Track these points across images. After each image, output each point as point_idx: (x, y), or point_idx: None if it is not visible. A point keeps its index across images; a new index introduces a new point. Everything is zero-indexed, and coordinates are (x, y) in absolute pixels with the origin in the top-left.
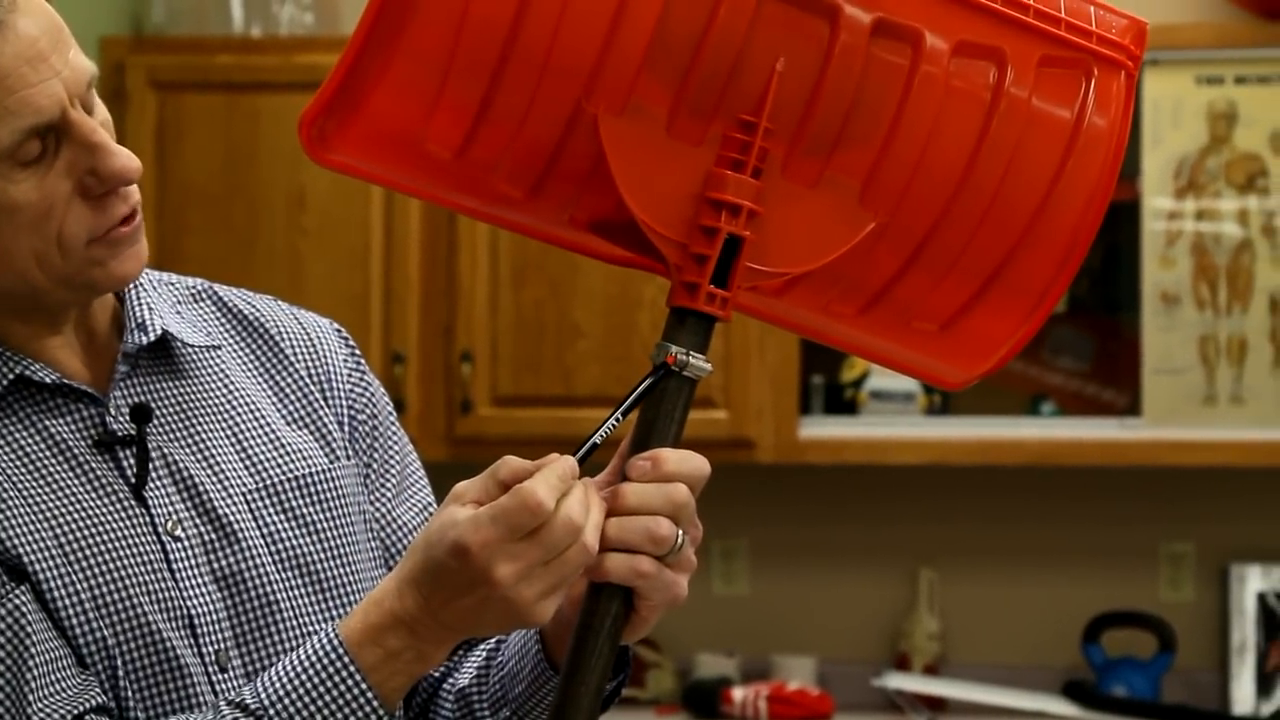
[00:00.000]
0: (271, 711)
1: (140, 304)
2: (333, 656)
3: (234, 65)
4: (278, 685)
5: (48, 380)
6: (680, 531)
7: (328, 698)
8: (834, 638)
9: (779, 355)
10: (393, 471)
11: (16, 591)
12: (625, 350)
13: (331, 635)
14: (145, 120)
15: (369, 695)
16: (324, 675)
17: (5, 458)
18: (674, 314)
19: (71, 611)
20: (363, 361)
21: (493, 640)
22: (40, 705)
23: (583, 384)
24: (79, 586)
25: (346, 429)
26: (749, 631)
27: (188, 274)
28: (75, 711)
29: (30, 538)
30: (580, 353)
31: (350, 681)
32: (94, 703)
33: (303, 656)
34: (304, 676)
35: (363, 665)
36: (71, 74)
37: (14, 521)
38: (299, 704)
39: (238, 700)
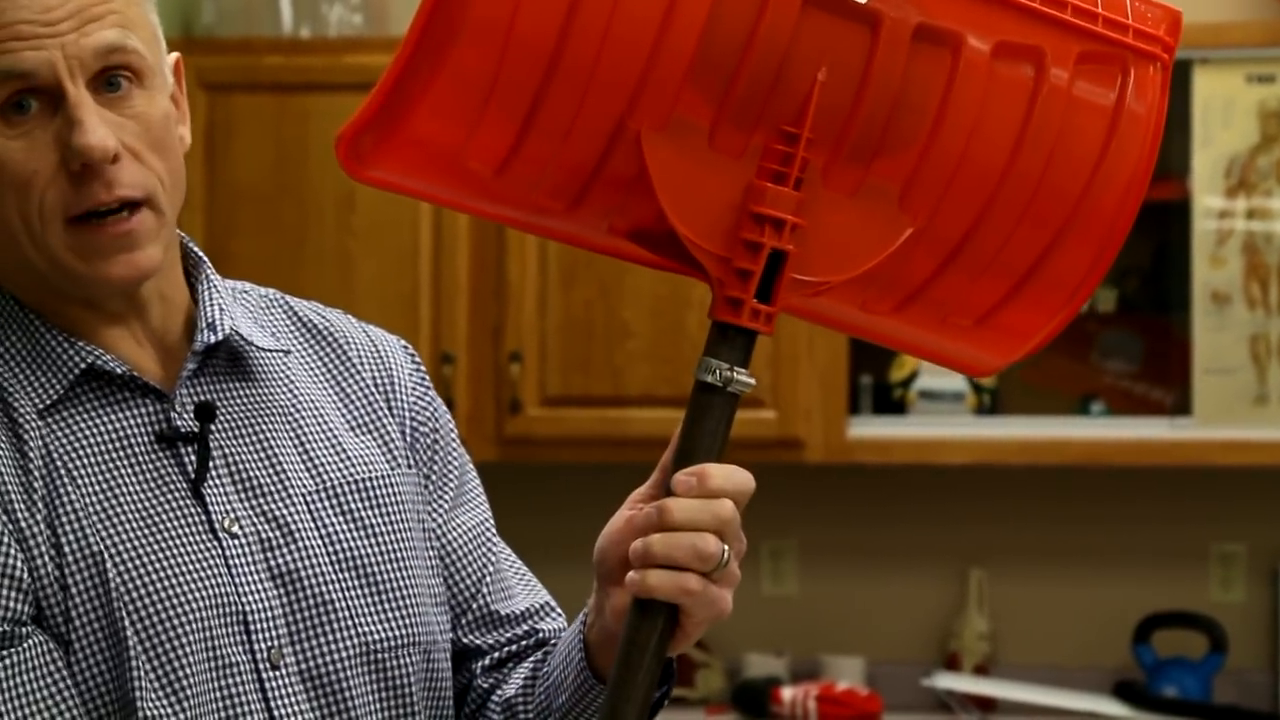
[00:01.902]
0: None
1: (212, 304)
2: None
3: (283, 66)
4: None
5: (118, 371)
6: (726, 547)
7: None
8: (883, 638)
9: (828, 355)
10: (450, 484)
11: (25, 645)
12: (674, 351)
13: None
14: (195, 121)
15: None
16: None
17: (69, 449)
18: (716, 327)
19: (123, 603)
20: (427, 378)
21: (539, 651)
22: None
23: (632, 384)
24: (131, 579)
25: (408, 438)
26: (798, 631)
27: (236, 276)
28: None
29: (92, 529)
30: (629, 353)
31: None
32: None
33: None
34: None
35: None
36: (79, 44)
37: (76, 513)
38: None
39: None
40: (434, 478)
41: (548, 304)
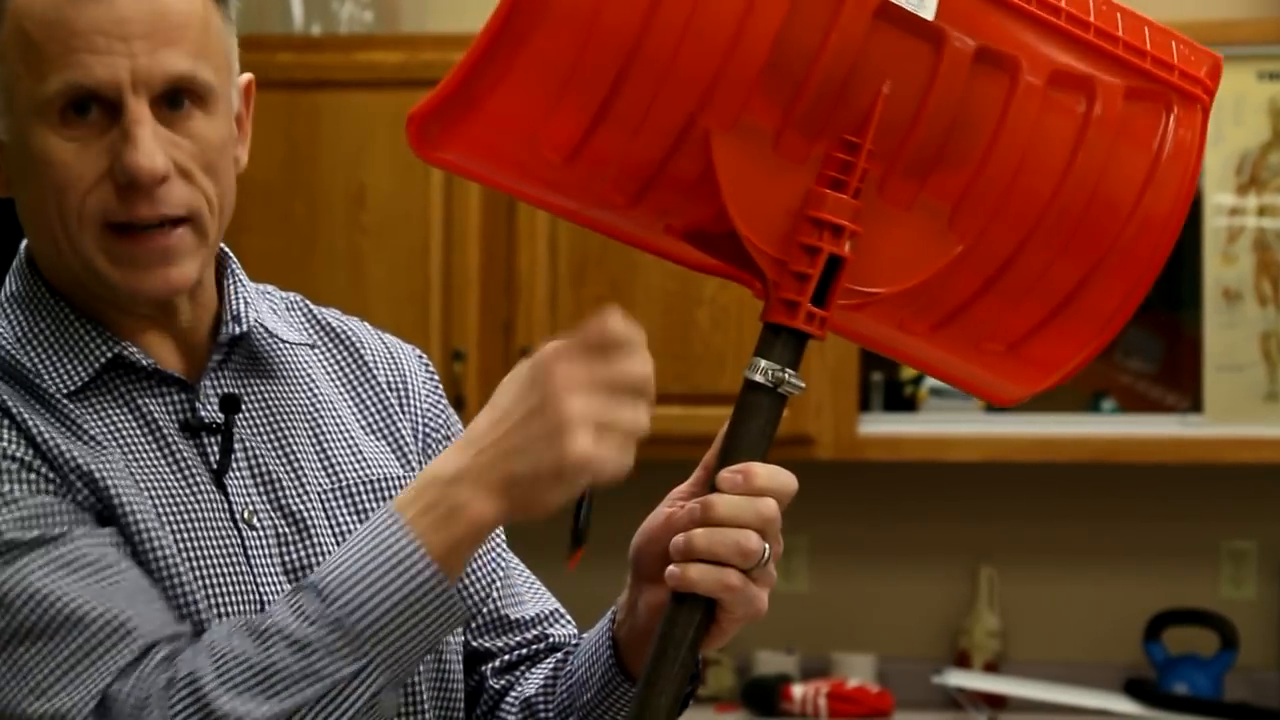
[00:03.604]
0: (334, 583)
1: (237, 298)
2: (384, 518)
3: (294, 63)
4: (339, 558)
5: (144, 363)
6: (767, 546)
7: (379, 559)
8: (894, 635)
9: (838, 352)
10: None
11: (109, 530)
12: (684, 347)
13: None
14: None
15: (413, 544)
16: (375, 539)
17: (99, 429)
18: (768, 329)
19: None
20: (440, 386)
21: (555, 653)
22: (138, 617)
23: None
24: (158, 560)
25: (421, 442)
26: (809, 628)
27: (247, 272)
28: (169, 632)
29: (127, 504)
30: None
31: (395, 534)
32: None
33: (361, 529)
34: (359, 546)
35: (405, 518)
36: (149, 66)
37: (111, 485)
38: (358, 572)
39: (306, 582)
40: None
41: (558, 300)
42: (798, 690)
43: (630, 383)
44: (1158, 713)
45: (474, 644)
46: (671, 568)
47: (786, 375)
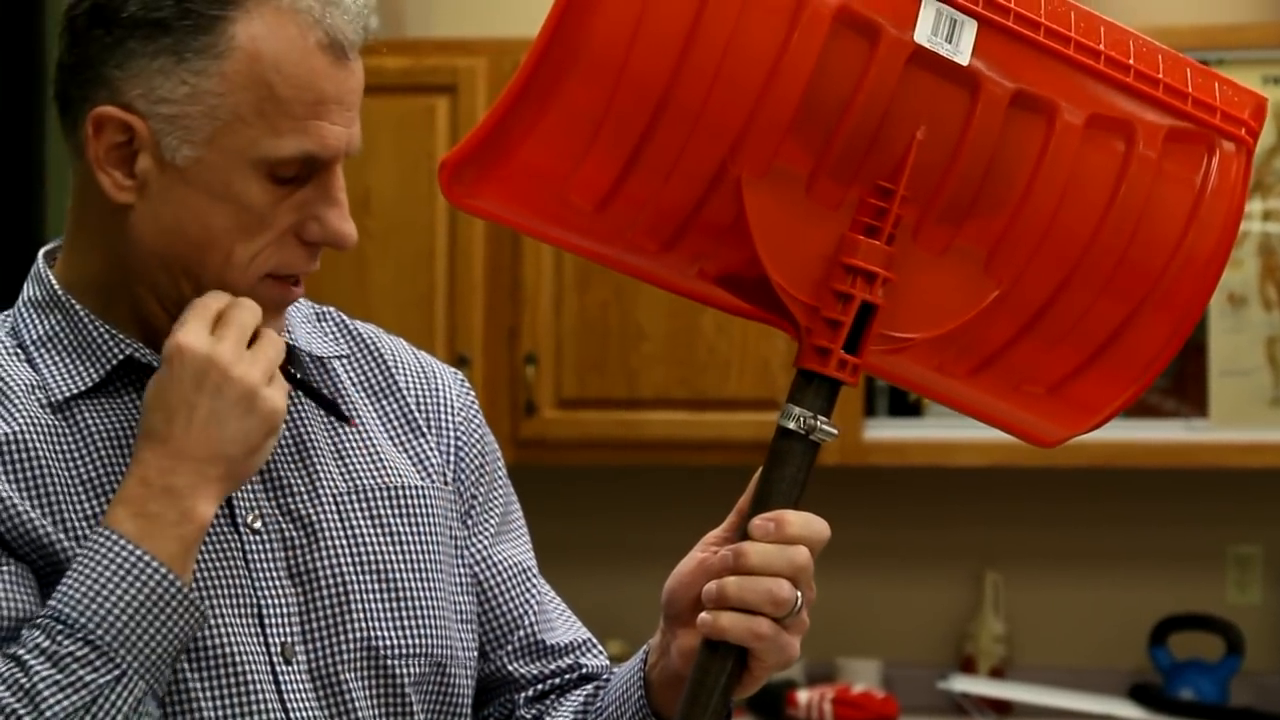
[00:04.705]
0: (74, 610)
1: None
2: (101, 538)
3: None
4: (70, 585)
5: (155, 364)
6: (799, 594)
7: (117, 578)
8: (899, 640)
9: None
10: (494, 514)
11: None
12: (689, 353)
13: (100, 528)
14: None
15: (146, 559)
16: (102, 559)
17: (107, 431)
18: (801, 375)
19: None
20: (478, 408)
21: (590, 685)
22: None
23: (647, 386)
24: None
25: (451, 461)
26: (813, 633)
27: None
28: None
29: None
30: (644, 355)
31: (125, 553)
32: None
33: (81, 555)
34: (86, 569)
35: (128, 535)
36: (354, 137)
37: (83, 505)
38: (92, 593)
39: (48, 613)
40: (478, 504)
41: (563, 306)
42: (803, 696)
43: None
44: (1163, 718)
45: (507, 669)
46: (704, 615)
47: (818, 423)
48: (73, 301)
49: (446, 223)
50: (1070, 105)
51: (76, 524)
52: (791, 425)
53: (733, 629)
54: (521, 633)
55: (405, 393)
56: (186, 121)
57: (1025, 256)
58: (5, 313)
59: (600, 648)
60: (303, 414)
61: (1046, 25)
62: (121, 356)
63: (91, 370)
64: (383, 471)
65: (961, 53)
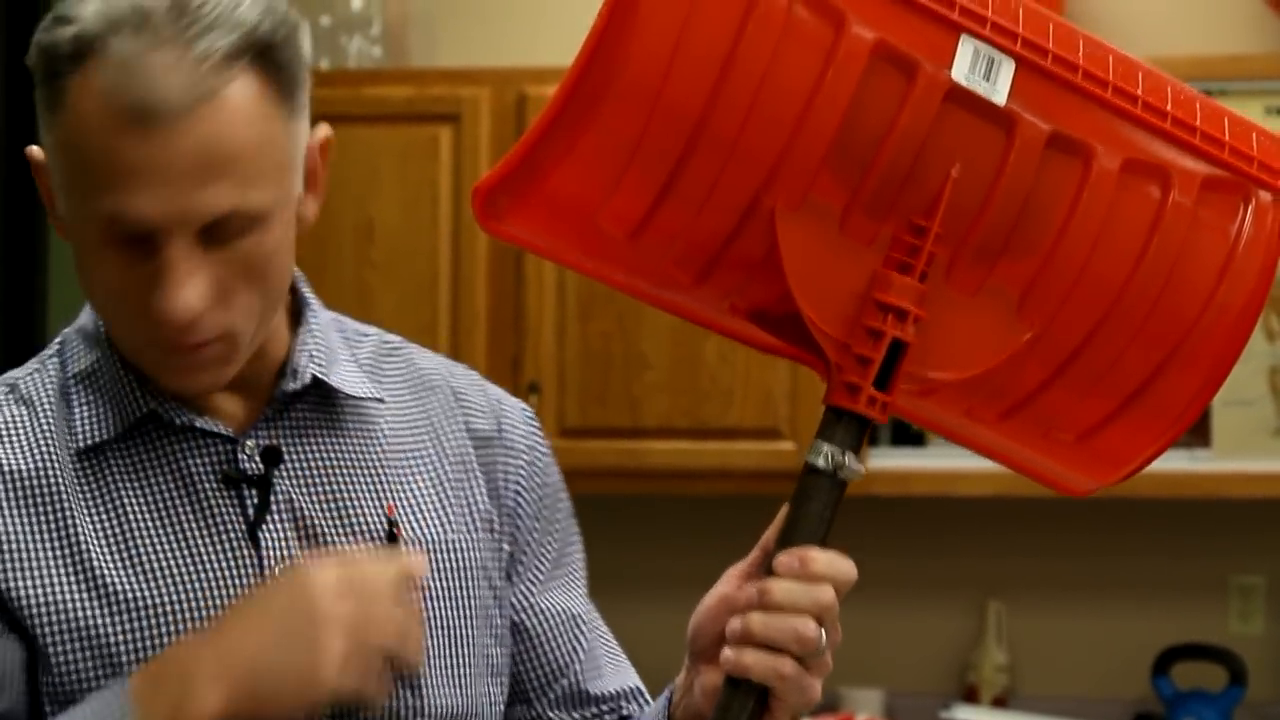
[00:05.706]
0: None
1: (302, 350)
2: (112, 695)
3: None
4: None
5: (176, 422)
6: (824, 634)
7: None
8: (901, 670)
9: None
10: (548, 556)
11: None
12: (692, 382)
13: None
14: None
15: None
16: (100, 698)
17: (133, 482)
18: (830, 412)
19: (156, 635)
20: (545, 446)
21: None
22: None
23: (650, 415)
24: (169, 621)
25: (505, 508)
26: None
27: None
28: None
29: (130, 572)
30: (647, 384)
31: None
32: None
33: (94, 697)
34: (89, 704)
35: (132, 696)
36: (189, 207)
37: (125, 543)
38: None
39: None
40: (530, 549)
41: (566, 335)
42: None
43: (388, 624)
44: None
45: (548, 714)
46: (726, 651)
47: (846, 460)
48: (108, 340)
49: (450, 252)
50: (1106, 149)
51: (92, 565)
52: (820, 463)
53: (755, 667)
54: (566, 681)
55: (468, 432)
56: (55, 173)
57: (1058, 300)
58: (64, 331)
59: (647, 697)
60: (342, 460)
61: (1085, 68)
62: (143, 411)
63: (116, 420)
64: (422, 524)
65: (999, 92)
